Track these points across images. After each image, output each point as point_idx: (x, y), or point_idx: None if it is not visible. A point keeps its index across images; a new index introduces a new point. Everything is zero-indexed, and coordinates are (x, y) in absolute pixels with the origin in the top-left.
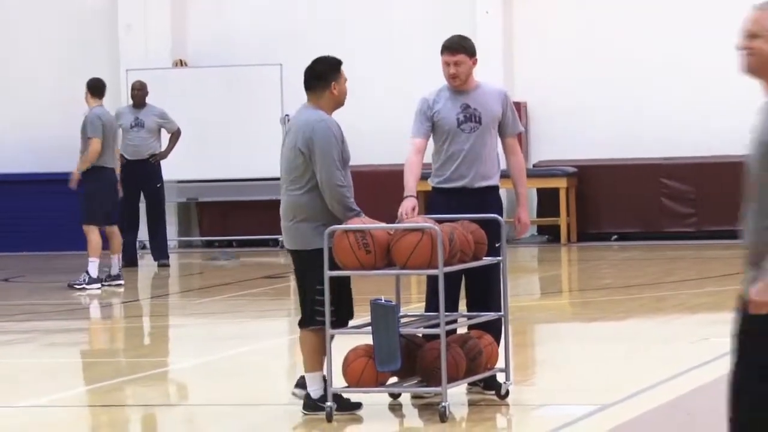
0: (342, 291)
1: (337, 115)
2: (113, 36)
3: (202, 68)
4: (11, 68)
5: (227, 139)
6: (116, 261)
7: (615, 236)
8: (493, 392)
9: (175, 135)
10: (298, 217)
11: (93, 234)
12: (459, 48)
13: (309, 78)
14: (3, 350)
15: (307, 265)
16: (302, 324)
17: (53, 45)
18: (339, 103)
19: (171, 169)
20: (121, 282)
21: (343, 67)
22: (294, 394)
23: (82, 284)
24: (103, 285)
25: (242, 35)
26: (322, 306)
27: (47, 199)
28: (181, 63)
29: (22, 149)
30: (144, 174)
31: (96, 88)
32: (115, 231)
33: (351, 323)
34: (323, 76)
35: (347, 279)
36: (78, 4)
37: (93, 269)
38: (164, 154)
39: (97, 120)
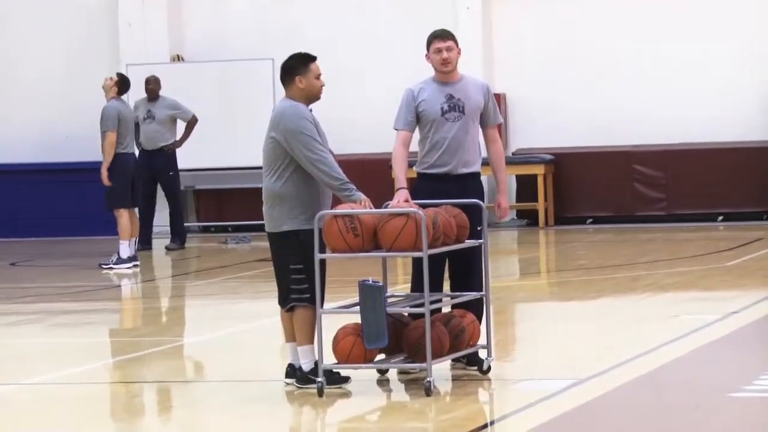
0: (321, 273)
1: (327, 104)
2: (114, 33)
3: (198, 63)
4: (19, 66)
5: (222, 130)
6: (133, 243)
7: (590, 220)
8: (476, 368)
9: (191, 123)
10: (272, 203)
11: (122, 217)
12: (449, 35)
13: (281, 72)
14: (11, 330)
15: (278, 246)
16: (280, 303)
17: (57, 42)
18: (311, 95)
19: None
20: (138, 263)
21: (317, 62)
22: (287, 383)
23: (110, 264)
24: (134, 265)
25: (236, 31)
26: (297, 284)
27: (52, 188)
28: (179, 58)
29: (29, 141)
30: (158, 163)
31: (123, 83)
32: (134, 214)
33: (340, 303)
34: (290, 70)
35: (324, 262)
36: (80, 3)
37: (123, 250)
38: (179, 143)
39: (113, 111)
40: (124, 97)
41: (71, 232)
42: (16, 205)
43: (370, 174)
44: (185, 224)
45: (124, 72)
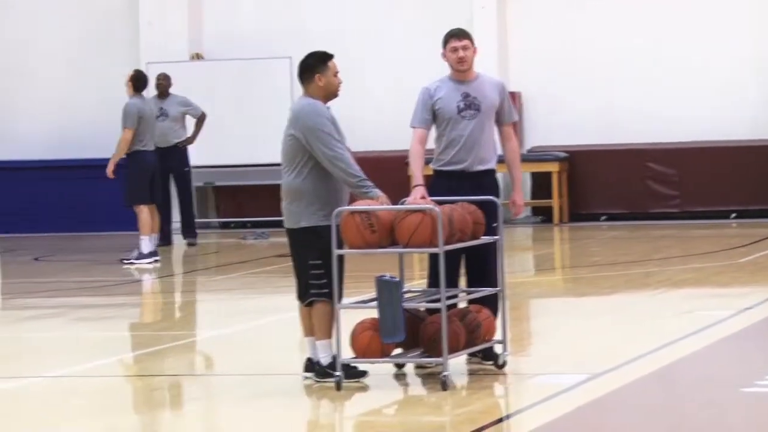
0: (339, 269)
1: (344, 102)
2: (134, 32)
3: (217, 61)
4: (40, 63)
5: (241, 127)
6: (154, 239)
7: (604, 217)
8: (491, 362)
9: (201, 119)
10: (291, 199)
11: (142, 213)
12: (465, 34)
13: (299, 70)
14: (33, 324)
15: (297, 242)
16: (299, 298)
17: (78, 40)
18: (329, 93)
19: (189, 156)
20: (158, 258)
21: (334, 60)
22: (306, 377)
23: (131, 259)
24: (156, 261)
25: (255, 30)
26: (316, 280)
27: (73, 184)
28: (198, 56)
29: (51, 137)
30: (172, 160)
31: (137, 80)
32: (154, 210)
33: (358, 298)
34: (308, 68)
35: (342, 258)
36: (101, 2)
37: (144, 246)
38: (191, 139)
39: (133, 108)
40: (144, 93)
41: (90, 227)
42: (38, 201)
43: (386, 171)
44: (205, 220)
45: (143, 70)
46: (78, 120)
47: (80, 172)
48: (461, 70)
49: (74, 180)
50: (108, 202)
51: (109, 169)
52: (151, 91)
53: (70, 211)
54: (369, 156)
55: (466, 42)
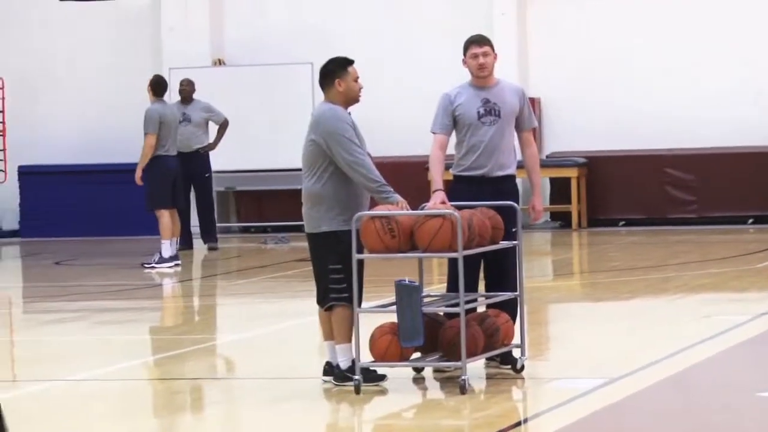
0: (358, 273)
1: (366, 108)
2: (157, 37)
3: (238, 66)
4: (63, 69)
5: (262, 132)
6: (174, 243)
7: (622, 222)
8: (510, 366)
9: (223, 126)
10: (312, 203)
11: (163, 217)
12: (486, 41)
13: (320, 76)
14: (55, 328)
15: (317, 246)
16: (319, 302)
17: (100, 46)
18: (349, 98)
19: (211, 161)
20: (179, 262)
21: (355, 66)
22: (325, 381)
23: (152, 263)
24: (176, 265)
25: (276, 36)
26: (336, 284)
27: (95, 189)
28: (220, 62)
29: (73, 143)
30: (194, 165)
31: (157, 85)
32: (175, 215)
33: (377, 302)
34: (329, 74)
35: (362, 263)
36: (124, 8)
37: (165, 250)
38: (213, 145)
39: (155, 113)
40: (166, 98)
41: (113, 231)
42: (60, 205)
43: (405, 176)
44: (226, 225)
45: (166, 75)
46: (102, 125)
47: (102, 177)
48: (482, 77)
49: (96, 185)
50: (129, 207)
51: (138, 176)
52: (174, 96)
53: (91, 215)
54: (388, 161)
55: (486, 48)
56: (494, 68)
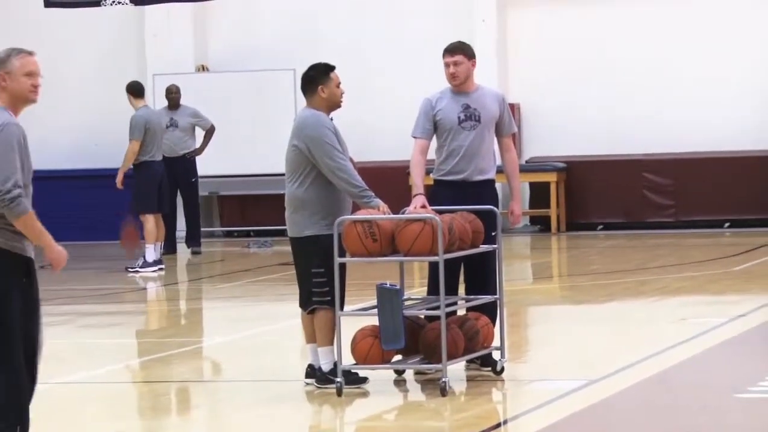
0: (341, 277)
1: (348, 114)
2: (140, 43)
3: (222, 73)
4: (49, 75)
5: (245, 137)
6: (158, 247)
7: (601, 226)
8: (490, 368)
9: (210, 132)
10: (294, 208)
11: (148, 222)
12: (457, 49)
13: (302, 82)
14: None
15: (300, 250)
16: (302, 305)
17: (85, 53)
18: (331, 104)
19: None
20: (163, 267)
21: (336, 72)
22: (307, 383)
23: (136, 267)
24: (160, 269)
25: (259, 43)
26: (318, 288)
27: (82, 194)
28: (203, 68)
29: (60, 148)
30: (180, 170)
31: (136, 90)
32: (160, 219)
33: (359, 305)
34: (311, 80)
35: (344, 266)
36: (108, 15)
37: (149, 254)
38: (199, 151)
39: (141, 120)
40: (150, 103)
41: (98, 236)
42: (47, 210)
43: (388, 181)
44: (210, 229)
45: (150, 81)
46: (86, 131)
47: (86, 182)
48: (454, 85)
49: (81, 189)
50: (114, 212)
51: (119, 180)
52: (158, 101)
53: (76, 220)
54: (370, 166)
55: (457, 57)
56: (472, 74)
